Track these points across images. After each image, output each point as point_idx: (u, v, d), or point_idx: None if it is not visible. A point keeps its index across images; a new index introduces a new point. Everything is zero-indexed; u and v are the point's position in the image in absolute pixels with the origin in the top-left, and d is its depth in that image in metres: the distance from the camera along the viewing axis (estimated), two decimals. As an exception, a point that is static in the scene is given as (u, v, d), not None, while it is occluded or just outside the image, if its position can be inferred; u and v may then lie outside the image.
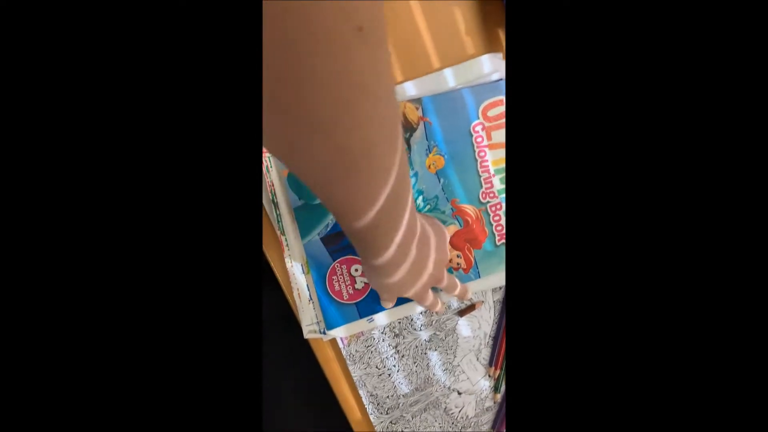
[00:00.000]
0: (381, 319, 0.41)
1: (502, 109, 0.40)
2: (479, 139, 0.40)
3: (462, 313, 0.44)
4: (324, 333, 0.40)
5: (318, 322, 0.40)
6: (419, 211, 0.40)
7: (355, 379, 0.43)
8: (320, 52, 0.14)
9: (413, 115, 0.39)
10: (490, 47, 0.42)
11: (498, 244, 0.42)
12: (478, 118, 0.40)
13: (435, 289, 0.40)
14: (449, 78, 0.40)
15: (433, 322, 0.44)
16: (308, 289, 0.39)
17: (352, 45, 0.14)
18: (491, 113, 0.40)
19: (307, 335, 0.40)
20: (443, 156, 0.40)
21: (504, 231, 0.41)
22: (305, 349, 0.43)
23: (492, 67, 0.41)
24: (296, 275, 0.39)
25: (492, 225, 0.41)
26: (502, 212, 0.41)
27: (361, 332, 0.42)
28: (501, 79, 0.41)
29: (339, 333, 0.40)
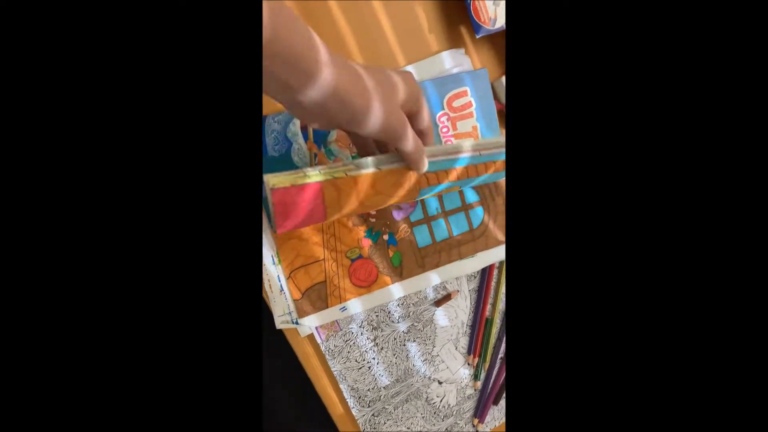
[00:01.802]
0: (354, 307, 0.42)
1: (467, 99, 0.42)
2: (444, 129, 0.41)
3: (438, 303, 0.45)
4: (296, 323, 0.40)
5: (290, 312, 0.40)
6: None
7: (335, 373, 0.44)
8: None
9: (379, 108, 0.40)
10: (452, 44, 0.43)
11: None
12: (443, 109, 0.41)
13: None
14: (413, 73, 0.42)
15: (411, 314, 0.44)
16: (279, 280, 0.40)
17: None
18: (456, 104, 0.42)
19: (279, 326, 0.41)
20: (410, 147, 0.41)
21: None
22: (284, 346, 0.43)
23: (453, 62, 0.42)
24: (267, 266, 0.40)
25: (460, 212, 0.42)
26: (469, 199, 0.42)
27: (338, 326, 0.43)
28: (463, 71, 0.42)
29: (311, 322, 0.41)
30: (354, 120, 0.26)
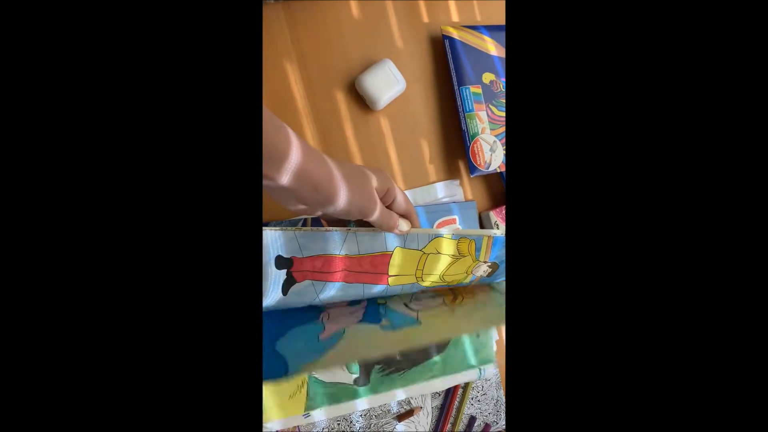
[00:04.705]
0: (318, 414, 0.42)
1: (455, 227, 0.45)
2: (430, 254, 0.44)
3: (400, 417, 0.45)
4: (259, 429, 0.40)
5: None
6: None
7: (286, 478, 0.43)
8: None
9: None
10: (449, 175, 0.47)
11: (438, 354, 0.44)
12: (431, 235, 0.44)
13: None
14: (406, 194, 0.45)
15: (371, 425, 0.45)
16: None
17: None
18: (444, 231, 0.45)
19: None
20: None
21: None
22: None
23: (446, 192, 0.46)
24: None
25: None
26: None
27: (298, 430, 0.43)
28: (454, 201, 0.46)
29: (273, 426, 0.41)
30: (324, 202, 0.29)
